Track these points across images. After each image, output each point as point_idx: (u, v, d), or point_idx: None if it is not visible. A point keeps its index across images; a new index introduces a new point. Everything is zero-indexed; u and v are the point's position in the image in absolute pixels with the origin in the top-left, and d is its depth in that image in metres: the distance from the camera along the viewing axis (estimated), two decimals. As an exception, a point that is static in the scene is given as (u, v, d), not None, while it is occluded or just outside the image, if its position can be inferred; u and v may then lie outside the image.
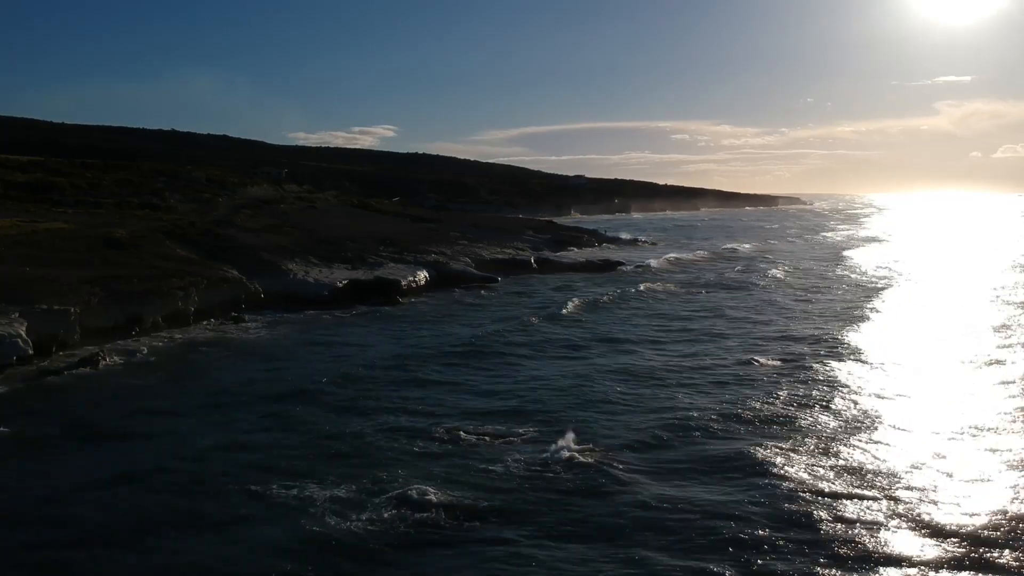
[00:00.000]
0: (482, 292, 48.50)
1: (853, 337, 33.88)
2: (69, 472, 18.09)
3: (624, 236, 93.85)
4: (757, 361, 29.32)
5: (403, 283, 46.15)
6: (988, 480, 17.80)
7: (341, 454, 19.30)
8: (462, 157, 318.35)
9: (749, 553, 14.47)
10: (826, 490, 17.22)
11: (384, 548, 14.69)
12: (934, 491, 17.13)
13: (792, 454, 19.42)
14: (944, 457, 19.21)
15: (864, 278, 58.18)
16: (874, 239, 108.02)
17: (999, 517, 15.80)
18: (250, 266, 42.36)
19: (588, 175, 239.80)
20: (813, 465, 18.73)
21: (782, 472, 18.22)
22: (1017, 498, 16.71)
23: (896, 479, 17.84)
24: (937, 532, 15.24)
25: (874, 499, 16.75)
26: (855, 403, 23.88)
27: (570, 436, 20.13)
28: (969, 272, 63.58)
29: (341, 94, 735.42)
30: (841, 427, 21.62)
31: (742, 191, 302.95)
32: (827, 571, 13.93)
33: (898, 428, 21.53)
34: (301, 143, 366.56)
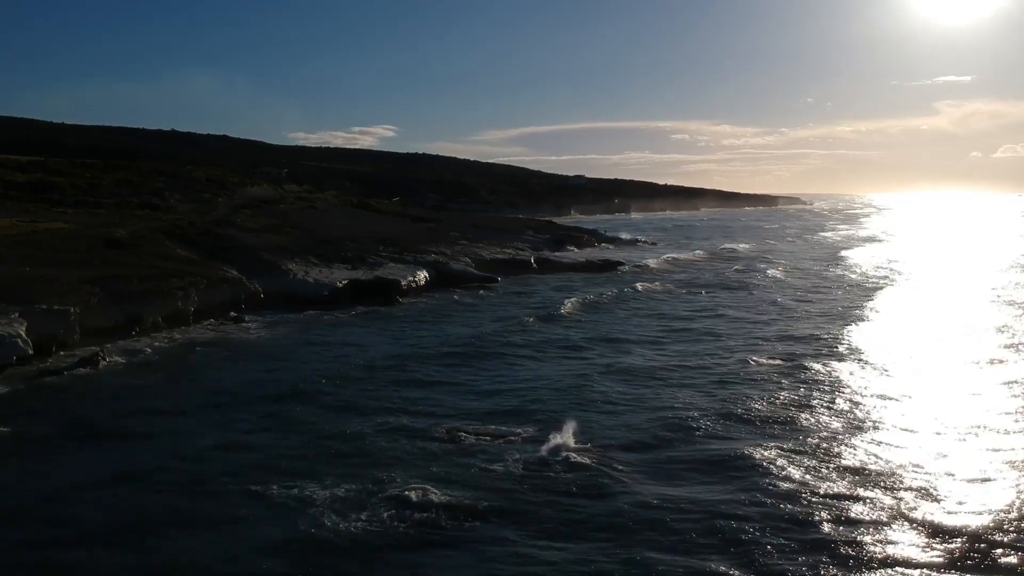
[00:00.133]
0: (482, 292, 48.51)
1: (852, 337, 33.90)
2: (69, 472, 18.09)
3: (624, 236, 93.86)
4: (756, 361, 29.34)
5: (403, 283, 46.16)
6: (989, 480, 17.79)
7: (341, 454, 19.31)
8: (462, 157, 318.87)
9: (749, 553, 14.48)
10: (826, 490, 17.23)
11: (383, 548, 14.70)
12: (935, 491, 17.14)
13: (791, 454, 19.42)
14: (945, 457, 19.21)
15: (863, 278, 58.20)
16: (873, 239, 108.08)
17: (1001, 517, 15.80)
18: (250, 266, 42.36)
19: (588, 175, 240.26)
20: (813, 465, 18.73)
21: (782, 472, 18.22)
22: (1019, 498, 16.72)
23: (896, 479, 17.84)
24: (938, 532, 15.24)
25: (874, 499, 16.75)
26: (854, 403, 23.89)
27: (570, 436, 20.14)
28: (968, 272, 63.61)
29: (341, 94, 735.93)
30: (840, 427, 21.63)
31: (742, 191, 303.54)
32: (827, 572, 13.93)
33: (898, 428, 21.53)
34: (301, 143, 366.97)
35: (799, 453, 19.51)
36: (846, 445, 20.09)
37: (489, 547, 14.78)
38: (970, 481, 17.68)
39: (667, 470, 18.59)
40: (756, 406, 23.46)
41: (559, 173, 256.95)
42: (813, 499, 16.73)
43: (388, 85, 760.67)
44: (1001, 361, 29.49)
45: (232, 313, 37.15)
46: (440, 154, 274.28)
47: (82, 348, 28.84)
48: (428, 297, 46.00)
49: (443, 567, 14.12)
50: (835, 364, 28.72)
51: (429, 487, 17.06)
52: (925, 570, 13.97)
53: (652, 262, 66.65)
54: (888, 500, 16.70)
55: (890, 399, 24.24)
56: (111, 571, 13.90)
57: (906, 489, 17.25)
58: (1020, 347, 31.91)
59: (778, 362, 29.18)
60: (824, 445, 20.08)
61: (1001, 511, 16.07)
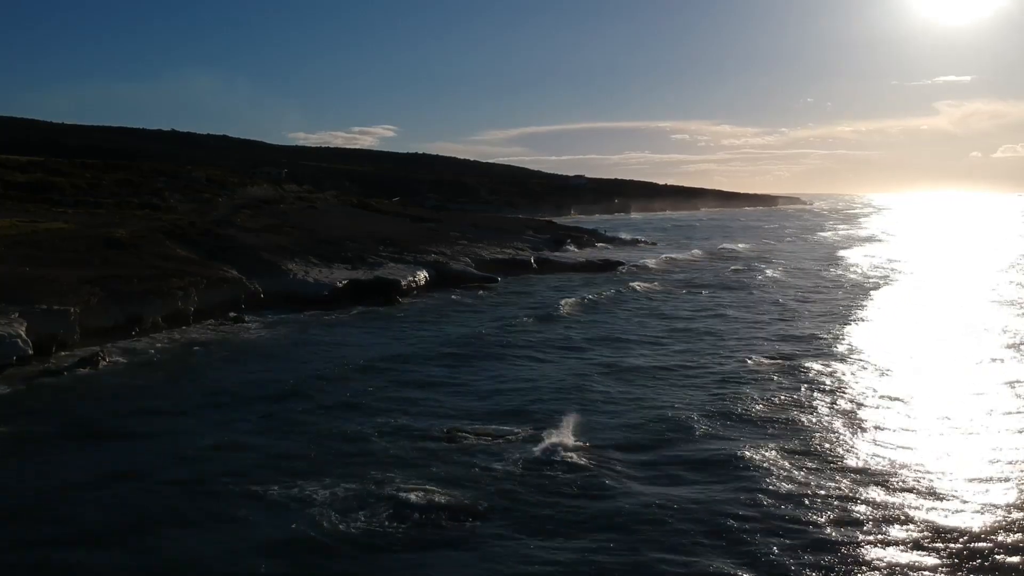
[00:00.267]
0: (482, 292, 48.53)
1: (852, 337, 33.92)
2: (69, 471, 18.10)
3: (624, 236, 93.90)
4: (754, 361, 29.36)
5: (403, 283, 46.17)
6: (990, 480, 17.79)
7: (341, 454, 19.33)
8: (462, 157, 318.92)
9: (749, 553, 14.49)
10: (827, 490, 17.23)
11: (383, 548, 14.71)
12: (936, 491, 17.14)
13: (791, 454, 19.43)
14: (946, 457, 19.23)
15: (862, 278, 58.21)
16: (872, 239, 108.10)
17: (1002, 518, 15.82)
18: (250, 266, 42.36)
19: (588, 175, 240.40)
20: (813, 465, 18.74)
21: (782, 472, 18.23)
22: (1021, 499, 16.74)
23: (897, 479, 17.86)
24: (939, 533, 15.24)
25: (875, 500, 16.76)
26: (854, 403, 23.90)
27: (569, 435, 20.18)
28: (968, 272, 63.63)
29: (341, 94, 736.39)
30: (840, 427, 21.64)
31: (742, 191, 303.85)
32: (827, 572, 13.94)
33: (898, 428, 21.54)
34: (301, 143, 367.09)
35: (799, 453, 19.53)
36: (846, 445, 20.11)
37: (489, 547, 14.79)
38: (971, 481, 17.69)
39: (667, 470, 18.60)
40: (755, 406, 23.48)
41: (559, 173, 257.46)
42: (813, 499, 16.74)
43: (388, 85, 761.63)
44: (1001, 361, 29.51)
45: (232, 313, 37.15)
46: (440, 154, 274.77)
47: (82, 348, 28.85)
48: (428, 297, 46.02)
49: (443, 567, 14.13)
50: (835, 364, 28.73)
51: (429, 487, 17.08)
52: (926, 571, 13.98)
53: (652, 262, 66.68)
54: (889, 500, 16.70)
55: (890, 399, 24.25)
56: (111, 570, 13.90)
57: (907, 489, 17.26)
58: (1021, 347, 31.93)
59: (777, 362, 29.20)
60: (824, 445, 20.10)
61: (1002, 511, 16.09)
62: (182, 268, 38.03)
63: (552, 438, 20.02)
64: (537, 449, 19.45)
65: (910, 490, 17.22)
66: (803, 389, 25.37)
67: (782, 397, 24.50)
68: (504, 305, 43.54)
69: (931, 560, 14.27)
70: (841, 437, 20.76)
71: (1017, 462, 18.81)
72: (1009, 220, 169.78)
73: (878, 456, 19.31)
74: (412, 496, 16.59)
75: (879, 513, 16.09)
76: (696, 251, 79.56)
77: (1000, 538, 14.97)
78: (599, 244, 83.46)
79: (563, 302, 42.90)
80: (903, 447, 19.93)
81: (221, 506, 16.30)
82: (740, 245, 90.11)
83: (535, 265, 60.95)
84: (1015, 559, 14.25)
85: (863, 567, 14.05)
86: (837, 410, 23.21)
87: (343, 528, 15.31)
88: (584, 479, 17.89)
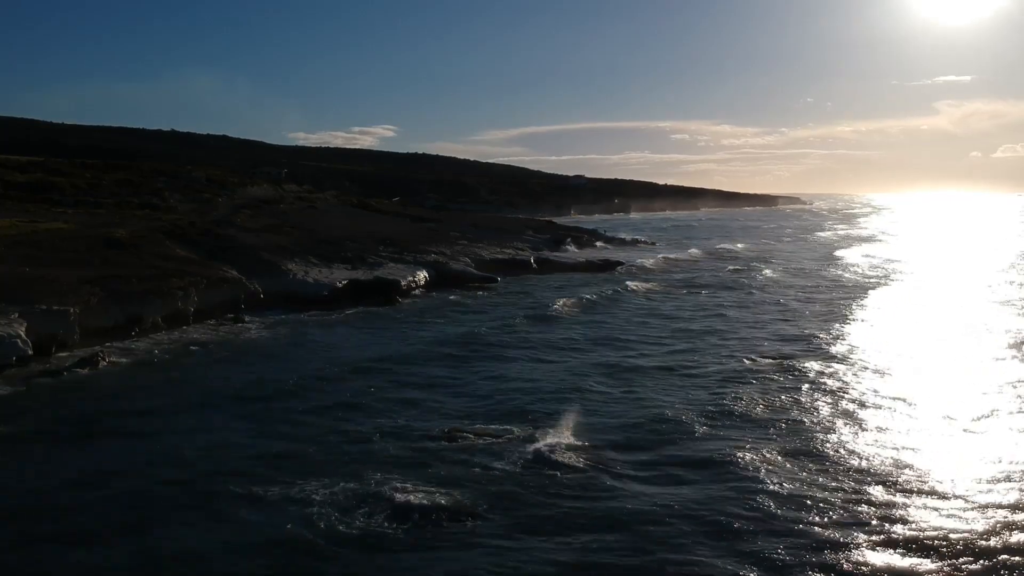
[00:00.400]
0: (481, 292, 48.55)
1: (851, 337, 33.95)
2: (69, 471, 18.12)
3: (623, 236, 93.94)
4: (754, 361, 29.39)
5: (403, 283, 46.20)
6: (992, 480, 17.80)
7: (340, 454, 19.35)
8: (462, 157, 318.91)
9: (749, 553, 14.50)
10: (827, 491, 17.24)
11: (383, 547, 14.72)
12: (937, 491, 17.15)
13: (791, 454, 19.45)
14: (947, 457, 19.24)
15: (861, 278, 58.23)
16: (871, 239, 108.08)
17: (1002, 519, 15.83)
18: (250, 266, 42.38)
19: (588, 175, 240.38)
20: (813, 465, 18.75)
21: (781, 472, 18.25)
22: (1022, 500, 16.76)
23: (897, 479, 17.87)
24: (939, 534, 15.24)
25: (875, 500, 16.77)
26: (854, 403, 23.92)
27: (569, 435, 20.23)
28: (968, 271, 63.65)
29: (341, 94, 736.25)
30: (840, 427, 21.66)
31: (742, 191, 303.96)
32: (827, 572, 13.97)
33: (898, 428, 21.56)
34: (301, 143, 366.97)
35: (799, 453, 19.55)
36: (847, 445, 20.13)
37: (489, 547, 14.80)
38: (973, 481, 17.70)
39: (667, 470, 18.62)
40: (755, 406, 23.51)
41: (559, 173, 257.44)
42: (814, 499, 16.75)
43: (388, 85, 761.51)
44: (1002, 360, 29.54)
45: (231, 313, 37.16)
46: (440, 154, 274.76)
47: (82, 348, 28.88)
48: (428, 297, 46.06)
49: (443, 567, 14.14)
50: (835, 364, 28.76)
51: (429, 487, 17.10)
52: (928, 572, 13.98)
53: (651, 262, 66.75)
54: (890, 500, 16.72)
55: (891, 399, 24.26)
56: (110, 570, 13.94)
57: (908, 490, 17.27)
58: (1022, 347, 31.95)
59: (777, 362, 29.22)
60: (824, 445, 20.12)
61: (1005, 512, 16.10)
62: (182, 268, 38.06)
63: (552, 438, 20.06)
64: (537, 449, 19.47)
65: (911, 490, 17.23)
66: (803, 389, 25.39)
67: (782, 397, 24.53)
68: (504, 305, 43.57)
69: (932, 560, 14.28)
70: (842, 437, 20.78)
71: (1019, 462, 18.83)
72: (1009, 220, 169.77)
73: (879, 456, 19.33)
74: (412, 496, 16.61)
75: (880, 513, 16.10)
76: (695, 251, 79.61)
77: (1002, 539, 14.97)
78: (599, 244, 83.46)
79: (563, 302, 42.93)
80: (904, 447, 19.95)
81: (220, 506, 16.33)
82: (739, 245, 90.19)
83: (535, 265, 60.98)
84: (1018, 559, 14.26)
85: (864, 567, 14.06)
86: (837, 410, 23.23)
87: (342, 528, 15.33)
88: (584, 479, 17.92)
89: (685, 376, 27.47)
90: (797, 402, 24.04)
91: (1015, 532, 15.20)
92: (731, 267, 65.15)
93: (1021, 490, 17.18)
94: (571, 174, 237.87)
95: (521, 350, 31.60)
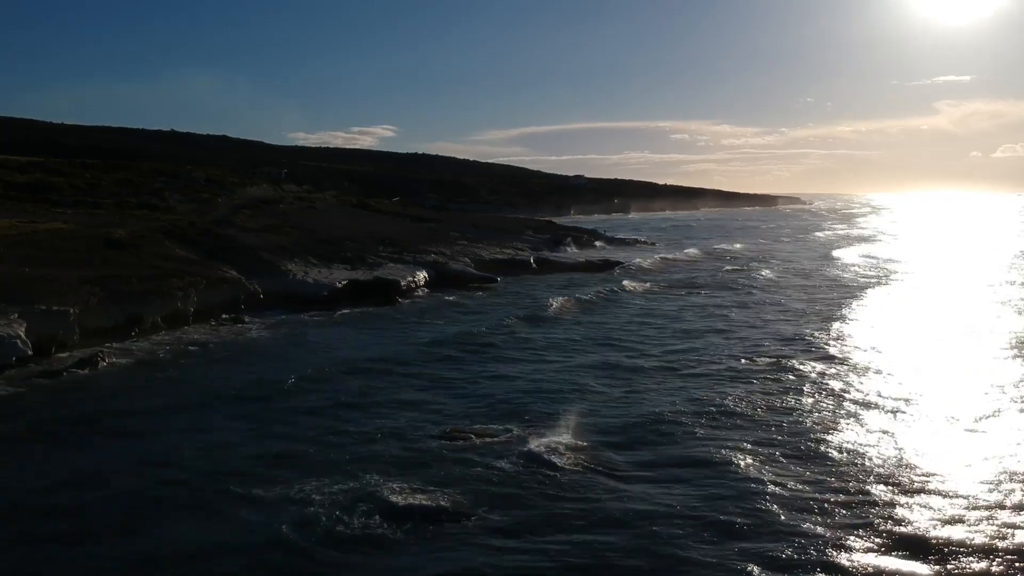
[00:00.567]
0: (481, 292, 48.55)
1: (850, 337, 33.93)
2: (68, 471, 18.11)
3: (623, 236, 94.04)
4: (753, 360, 29.39)
5: (402, 283, 46.19)
6: (993, 481, 17.78)
7: (339, 454, 19.33)
8: (462, 157, 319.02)
9: (749, 553, 14.50)
10: (827, 491, 17.23)
11: (381, 547, 14.72)
12: (937, 491, 17.15)
13: (790, 454, 19.46)
14: (947, 457, 19.24)
15: (860, 278, 58.22)
16: (871, 239, 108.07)
17: (1003, 519, 15.83)
18: (250, 266, 42.37)
19: (588, 175, 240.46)
20: (812, 465, 18.75)
21: (780, 472, 18.25)
22: (1022, 501, 16.76)
23: (897, 479, 17.86)
24: (941, 534, 15.26)
25: (875, 500, 16.77)
26: (853, 403, 23.91)
27: (568, 435, 20.23)
28: (968, 271, 63.64)
29: (341, 94, 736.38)
30: (840, 427, 21.65)
31: (742, 191, 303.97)
32: (827, 572, 13.97)
33: (898, 428, 21.55)
34: (301, 143, 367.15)
35: (799, 453, 19.54)
36: (847, 445, 20.12)
37: (488, 547, 14.79)
38: (974, 481, 17.69)
39: (666, 470, 18.61)
40: (754, 406, 23.50)
41: (559, 173, 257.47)
42: (814, 499, 16.74)
43: (388, 85, 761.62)
44: (1002, 361, 29.54)
45: (231, 314, 37.17)
46: (440, 154, 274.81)
47: (82, 348, 28.87)
48: (427, 297, 46.07)
49: (441, 567, 14.14)
50: (834, 364, 28.76)
51: (428, 487, 17.10)
52: (928, 572, 13.99)
53: (650, 262, 66.80)
54: (891, 500, 16.71)
55: (891, 399, 24.25)
56: (110, 569, 13.95)
57: (909, 490, 17.26)
58: (1022, 347, 31.94)
59: (775, 362, 29.22)
60: (824, 445, 20.11)
61: (1007, 512, 16.10)
62: (182, 268, 38.05)
63: (551, 438, 20.05)
64: (537, 449, 19.47)
65: (913, 490, 17.22)
66: (803, 389, 25.39)
67: (782, 397, 24.52)
68: (504, 305, 43.55)
69: (933, 561, 14.26)
70: (842, 437, 20.77)
71: (1021, 462, 18.82)
72: (1008, 220, 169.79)
73: (880, 456, 19.32)
74: (411, 496, 16.61)
75: (882, 513, 16.09)
76: (695, 251, 79.61)
77: (1005, 539, 14.95)
78: (598, 244, 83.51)
79: (562, 302, 42.92)
80: (905, 447, 19.94)
81: (220, 506, 16.33)
82: (738, 245, 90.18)
83: (534, 265, 60.99)
84: (1021, 561, 14.25)
85: (865, 568, 14.05)
86: (838, 410, 23.22)
87: (342, 528, 15.32)
88: (584, 479, 17.91)
89: (685, 376, 27.47)
90: (797, 402, 24.04)
91: (1018, 533, 15.19)
92: (730, 267, 65.15)
93: (1020, 493, 17.17)
94: (571, 174, 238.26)
95: (521, 350, 31.60)
